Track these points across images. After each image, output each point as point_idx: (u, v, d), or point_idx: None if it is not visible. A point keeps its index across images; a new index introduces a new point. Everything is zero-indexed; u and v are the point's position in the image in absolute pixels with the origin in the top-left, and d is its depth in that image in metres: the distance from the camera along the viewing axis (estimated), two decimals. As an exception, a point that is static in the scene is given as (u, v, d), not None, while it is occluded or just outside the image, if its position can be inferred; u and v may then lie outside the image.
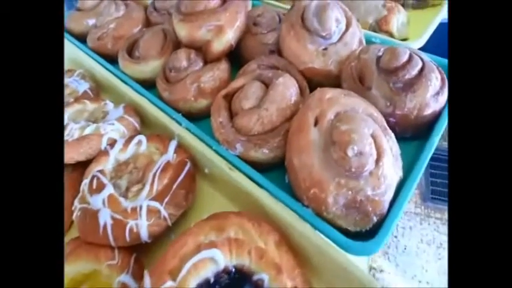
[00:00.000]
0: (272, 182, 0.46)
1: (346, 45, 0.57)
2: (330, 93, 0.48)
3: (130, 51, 0.78)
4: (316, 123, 0.45)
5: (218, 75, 0.64)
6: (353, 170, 0.38)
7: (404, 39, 0.67)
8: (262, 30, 0.68)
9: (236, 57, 0.70)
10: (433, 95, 0.47)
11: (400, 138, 0.45)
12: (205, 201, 0.52)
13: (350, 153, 0.39)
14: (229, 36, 0.64)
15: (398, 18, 0.68)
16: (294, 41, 0.58)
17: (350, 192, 0.38)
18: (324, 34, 0.57)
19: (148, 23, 0.88)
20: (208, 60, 0.66)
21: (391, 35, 0.65)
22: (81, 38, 0.88)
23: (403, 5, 0.73)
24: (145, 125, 0.65)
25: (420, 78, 0.48)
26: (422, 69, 0.49)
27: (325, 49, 0.57)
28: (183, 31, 0.66)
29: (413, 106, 0.47)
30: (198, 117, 0.64)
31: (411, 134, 0.49)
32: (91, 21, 0.92)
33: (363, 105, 0.46)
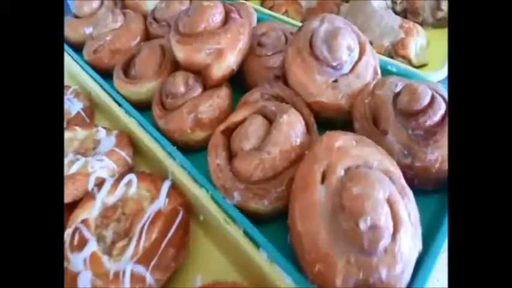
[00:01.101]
0: (273, 238, 0.41)
1: (359, 77, 0.51)
2: (340, 140, 0.42)
3: (127, 67, 0.73)
4: (323, 179, 0.39)
5: (218, 103, 0.59)
6: (365, 247, 0.33)
7: (423, 65, 0.60)
8: (267, 51, 0.62)
9: (239, 79, 0.64)
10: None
11: (419, 191, 0.40)
12: (199, 257, 0.47)
13: (362, 226, 0.34)
14: (231, 61, 0.58)
15: (417, 41, 0.62)
16: (301, 70, 0.53)
17: (361, 273, 0.33)
18: (334, 64, 0.51)
19: (147, 35, 0.82)
20: (208, 85, 0.60)
21: (408, 60, 0.59)
22: (78, 48, 0.83)
23: (421, 24, 0.66)
24: (140, 154, 0.60)
25: (443, 126, 0.42)
26: (445, 114, 0.43)
27: (336, 81, 0.51)
28: (180, 53, 0.61)
29: (435, 158, 0.41)
30: (196, 149, 0.59)
31: (433, 187, 0.44)
32: (88, 30, 0.87)
33: (378, 157, 0.40)
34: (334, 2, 0.70)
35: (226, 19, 0.60)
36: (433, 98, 0.43)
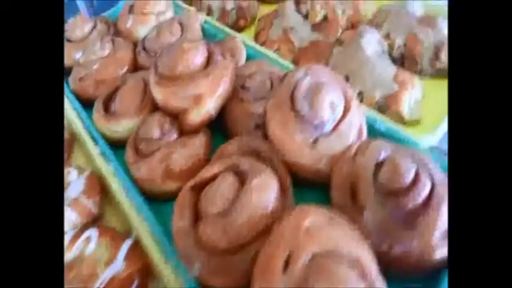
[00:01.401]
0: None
1: (341, 137, 0.47)
2: (310, 217, 0.37)
3: (109, 101, 0.70)
4: (287, 264, 0.35)
5: (192, 153, 0.55)
6: None
7: (416, 122, 0.55)
8: (250, 97, 0.58)
9: (220, 122, 0.60)
10: (443, 234, 0.37)
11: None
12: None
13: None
14: (209, 107, 0.55)
15: (412, 95, 0.56)
16: (280, 126, 0.49)
17: None
18: (315, 122, 0.47)
19: (136, 64, 0.79)
20: (184, 131, 0.57)
21: (400, 116, 0.54)
22: (68, 73, 0.81)
23: (419, 72, 0.61)
24: (109, 201, 0.57)
25: (427, 210, 0.37)
26: (430, 195, 0.38)
27: (316, 141, 0.47)
28: (157, 95, 0.58)
29: (415, 246, 0.37)
30: (171, 200, 0.55)
31: (412, 276, 0.39)
32: (78, 55, 0.85)
33: (351, 243, 0.36)
34: (327, 44, 0.66)
35: (208, 61, 0.57)
36: (417, 176, 0.39)
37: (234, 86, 0.59)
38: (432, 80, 0.61)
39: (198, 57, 0.56)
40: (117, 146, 0.61)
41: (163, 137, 0.56)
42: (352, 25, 0.73)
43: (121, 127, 0.62)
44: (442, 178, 0.40)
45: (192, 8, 0.85)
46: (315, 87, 0.48)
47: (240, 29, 0.84)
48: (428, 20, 0.61)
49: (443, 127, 0.51)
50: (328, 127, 0.47)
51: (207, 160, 0.56)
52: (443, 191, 0.38)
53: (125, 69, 0.78)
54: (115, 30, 0.90)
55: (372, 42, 0.60)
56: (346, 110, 0.48)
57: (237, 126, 0.58)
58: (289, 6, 0.75)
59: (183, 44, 0.56)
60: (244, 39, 0.75)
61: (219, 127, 0.60)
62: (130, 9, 0.88)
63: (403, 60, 0.62)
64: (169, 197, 0.55)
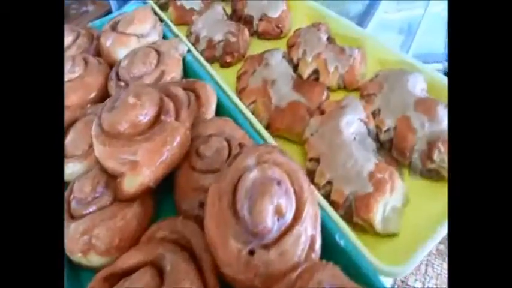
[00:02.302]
0: None
1: (283, 253, 0.38)
2: None
3: (65, 133, 0.63)
4: None
5: (122, 226, 0.47)
6: None
7: (391, 235, 0.45)
8: (202, 166, 0.50)
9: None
10: None
11: None
12: None
13: None
14: (146, 179, 0.47)
15: (388, 202, 0.45)
16: (215, 223, 0.40)
17: None
18: (253, 230, 0.38)
19: (106, 90, 0.72)
20: (117, 198, 0.49)
21: (370, 225, 0.44)
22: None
23: (409, 166, 0.50)
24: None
25: None
26: None
27: (252, 252, 0.38)
28: (95, 150, 0.50)
29: None
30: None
31: None
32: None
33: None
34: (306, 108, 0.56)
35: (156, 121, 0.48)
36: None
37: (189, 149, 0.51)
38: (423, 180, 0.50)
39: (142, 117, 0.47)
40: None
41: (94, 200, 0.49)
42: (345, 86, 0.63)
43: (67, 169, 0.55)
44: None
45: (178, 37, 0.77)
46: (260, 187, 0.39)
47: (226, 65, 0.75)
48: (426, 105, 0.50)
49: (424, 252, 0.40)
50: (270, 237, 0.38)
51: (141, 234, 0.48)
52: None
53: (93, 95, 0.71)
54: (96, 46, 0.83)
55: (353, 124, 0.50)
56: (296, 219, 0.39)
57: (182, 199, 0.49)
58: (277, 55, 0.65)
59: (129, 98, 0.48)
60: (221, 82, 0.66)
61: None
62: (114, 26, 0.80)
63: (391, 146, 0.52)
64: (97, 269, 0.47)
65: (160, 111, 0.49)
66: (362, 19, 1.23)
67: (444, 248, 0.58)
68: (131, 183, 0.47)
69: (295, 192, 0.41)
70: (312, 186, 0.42)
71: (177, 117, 0.50)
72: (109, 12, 1.92)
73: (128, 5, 0.93)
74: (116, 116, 0.47)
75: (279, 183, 0.40)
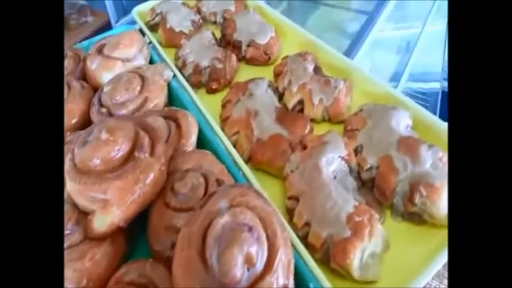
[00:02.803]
0: None
1: (251, 309, 0.36)
2: None
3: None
4: None
5: (90, 267, 0.45)
6: None
7: (370, 282, 0.43)
8: (176, 203, 0.48)
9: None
10: None
11: None
12: None
13: None
14: (116, 218, 0.45)
15: (366, 249, 0.42)
16: (183, 269, 0.38)
17: None
18: (222, 280, 0.36)
19: (89, 115, 0.71)
20: (87, 237, 0.47)
21: (348, 272, 0.42)
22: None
23: (391, 207, 0.49)
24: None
25: None
26: None
27: (220, 305, 0.36)
28: (68, 188, 0.48)
29: None
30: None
31: None
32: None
33: None
34: (288, 142, 0.55)
35: (129, 158, 0.47)
36: None
37: (164, 185, 0.49)
38: (405, 223, 0.48)
39: (115, 152, 0.46)
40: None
41: (66, 237, 0.47)
42: (330, 118, 0.62)
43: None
44: None
45: (164, 62, 0.76)
46: (230, 234, 0.37)
47: (211, 91, 0.74)
48: (409, 146, 0.49)
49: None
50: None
51: (111, 274, 0.46)
52: None
53: (74, 121, 0.69)
54: (82, 68, 0.82)
55: (333, 162, 0.49)
56: (267, 268, 0.37)
57: (154, 239, 0.47)
58: (262, 84, 0.64)
59: (101, 134, 0.46)
60: (204, 111, 0.65)
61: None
62: (100, 49, 0.79)
63: (373, 185, 0.50)
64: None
65: (134, 146, 0.48)
66: (359, 37, 1.22)
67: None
68: (101, 223, 0.45)
69: (268, 238, 0.39)
70: (287, 231, 0.40)
71: (152, 153, 0.48)
72: (108, 23, 1.92)
73: (116, 26, 0.92)
74: (87, 152, 0.46)
75: (250, 229, 0.38)
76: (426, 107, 1.00)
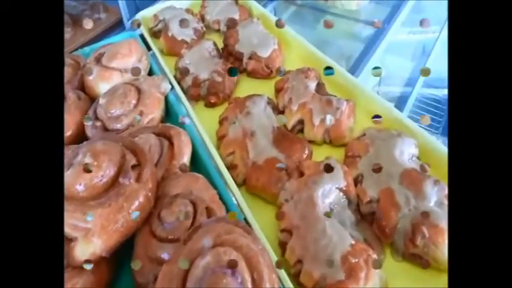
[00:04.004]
0: None
1: None
2: None
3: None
4: None
5: (70, 297, 0.43)
6: None
7: None
8: (162, 233, 0.45)
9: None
10: None
11: None
12: None
13: None
14: (97, 249, 0.43)
15: None
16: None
17: None
18: (202, 330, 0.33)
19: (84, 128, 0.69)
20: (69, 264, 0.45)
21: None
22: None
23: (391, 245, 0.45)
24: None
25: None
26: None
27: None
28: (50, 210, 0.46)
29: None
30: None
31: None
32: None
33: None
34: (285, 167, 0.52)
35: (113, 184, 0.45)
36: None
37: (152, 211, 0.47)
38: (406, 263, 0.45)
39: (99, 178, 0.44)
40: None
41: (46, 265, 0.44)
42: (331, 140, 0.58)
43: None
44: None
45: (162, 74, 0.74)
46: (211, 279, 0.34)
47: (210, 105, 0.72)
48: (413, 179, 0.45)
49: None
50: (221, 338, 0.34)
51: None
52: None
53: (68, 133, 0.68)
54: (81, 77, 0.80)
55: (330, 194, 0.45)
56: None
57: (137, 270, 0.45)
58: (260, 102, 0.61)
59: (85, 159, 0.44)
60: (200, 128, 0.62)
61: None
62: (99, 58, 0.77)
63: (373, 219, 0.47)
64: None
65: (120, 171, 0.45)
66: (372, 41, 1.18)
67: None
68: (83, 252, 0.43)
69: (253, 281, 0.36)
70: (276, 273, 0.37)
71: (138, 178, 0.46)
72: (120, 20, 1.92)
73: (117, 34, 0.90)
74: (70, 178, 0.44)
75: (233, 272, 0.35)
76: (441, 115, 0.95)
